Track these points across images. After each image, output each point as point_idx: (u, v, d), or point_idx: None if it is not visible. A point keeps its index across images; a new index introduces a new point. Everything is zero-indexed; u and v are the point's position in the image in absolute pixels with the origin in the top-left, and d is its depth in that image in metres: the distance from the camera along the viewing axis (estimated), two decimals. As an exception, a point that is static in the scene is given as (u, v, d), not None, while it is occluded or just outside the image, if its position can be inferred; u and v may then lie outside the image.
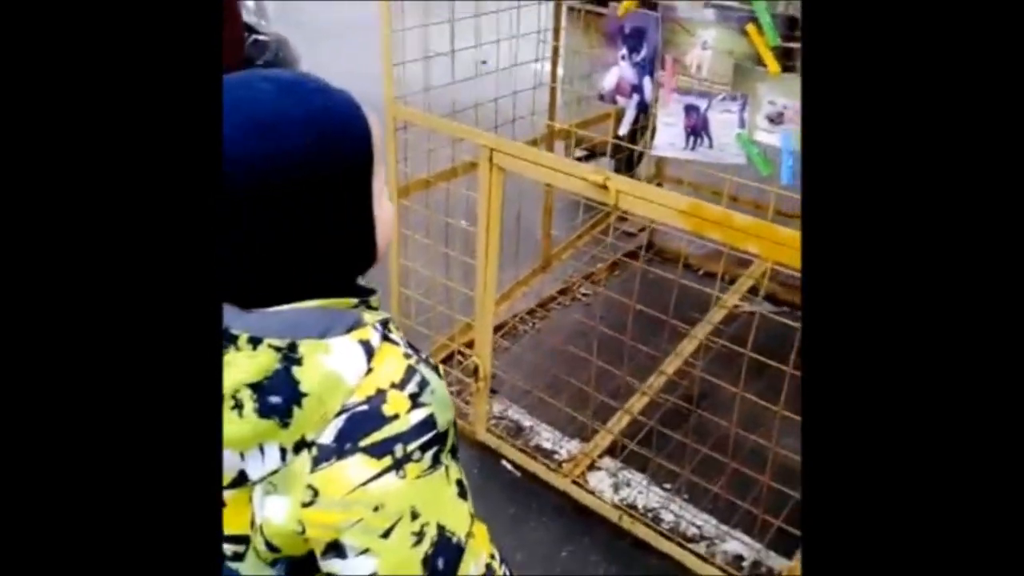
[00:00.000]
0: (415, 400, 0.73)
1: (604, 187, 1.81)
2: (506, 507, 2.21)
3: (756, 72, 1.50)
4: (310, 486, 0.70)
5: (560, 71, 2.81)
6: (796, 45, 1.45)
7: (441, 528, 0.73)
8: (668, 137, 1.67)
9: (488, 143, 2.03)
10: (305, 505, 0.71)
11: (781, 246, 1.58)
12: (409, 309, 2.46)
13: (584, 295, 3.10)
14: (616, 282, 3.13)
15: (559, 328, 2.81)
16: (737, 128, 1.57)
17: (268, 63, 3.35)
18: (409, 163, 2.30)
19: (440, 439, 0.74)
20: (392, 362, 0.74)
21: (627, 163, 3.26)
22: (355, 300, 0.79)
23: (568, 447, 2.37)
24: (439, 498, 0.74)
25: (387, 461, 0.70)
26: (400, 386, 0.73)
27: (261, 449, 0.71)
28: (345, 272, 0.80)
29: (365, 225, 0.78)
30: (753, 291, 2.94)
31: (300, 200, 0.71)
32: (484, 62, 2.30)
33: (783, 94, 1.49)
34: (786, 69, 1.48)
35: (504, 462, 2.33)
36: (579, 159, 3.24)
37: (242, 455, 0.71)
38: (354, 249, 0.79)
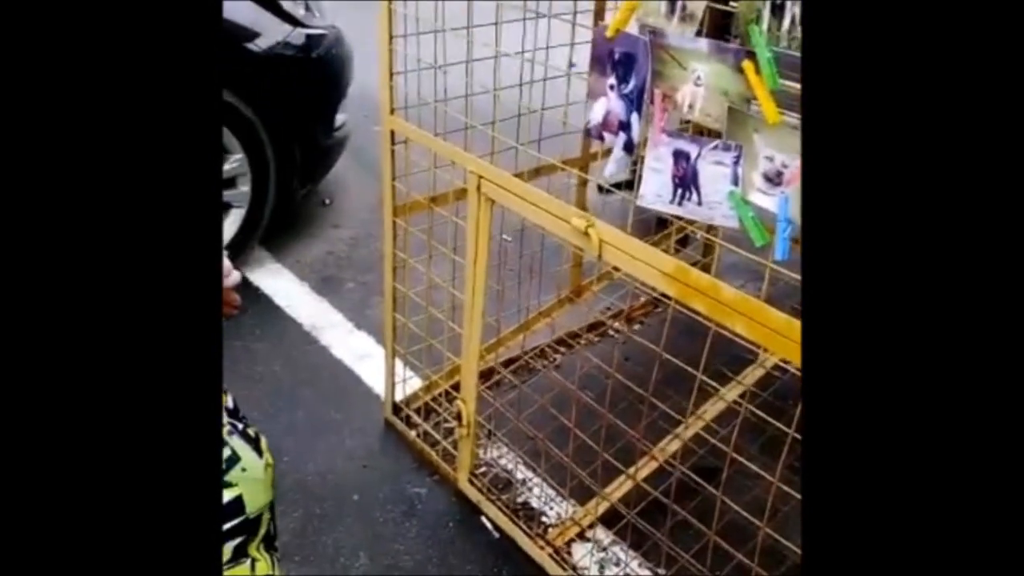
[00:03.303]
0: None
1: (586, 235, 1.56)
2: (473, 570, 1.99)
3: (752, 119, 1.21)
4: None
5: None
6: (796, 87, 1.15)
7: None
8: (655, 187, 1.39)
9: (476, 169, 1.81)
10: None
11: (773, 333, 1.29)
12: (403, 338, 2.28)
13: (616, 332, 2.82)
14: (655, 321, 2.85)
15: (577, 370, 2.54)
16: (730, 184, 1.28)
17: (320, 57, 3.23)
18: (408, 181, 2.11)
19: (248, 527, 0.63)
20: None
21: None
22: None
23: (560, 508, 2.13)
24: None
25: None
26: None
27: None
28: None
29: None
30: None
31: None
32: (573, 64, 2.05)
33: (783, 149, 1.19)
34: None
35: (484, 518, 2.11)
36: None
37: None
38: None
